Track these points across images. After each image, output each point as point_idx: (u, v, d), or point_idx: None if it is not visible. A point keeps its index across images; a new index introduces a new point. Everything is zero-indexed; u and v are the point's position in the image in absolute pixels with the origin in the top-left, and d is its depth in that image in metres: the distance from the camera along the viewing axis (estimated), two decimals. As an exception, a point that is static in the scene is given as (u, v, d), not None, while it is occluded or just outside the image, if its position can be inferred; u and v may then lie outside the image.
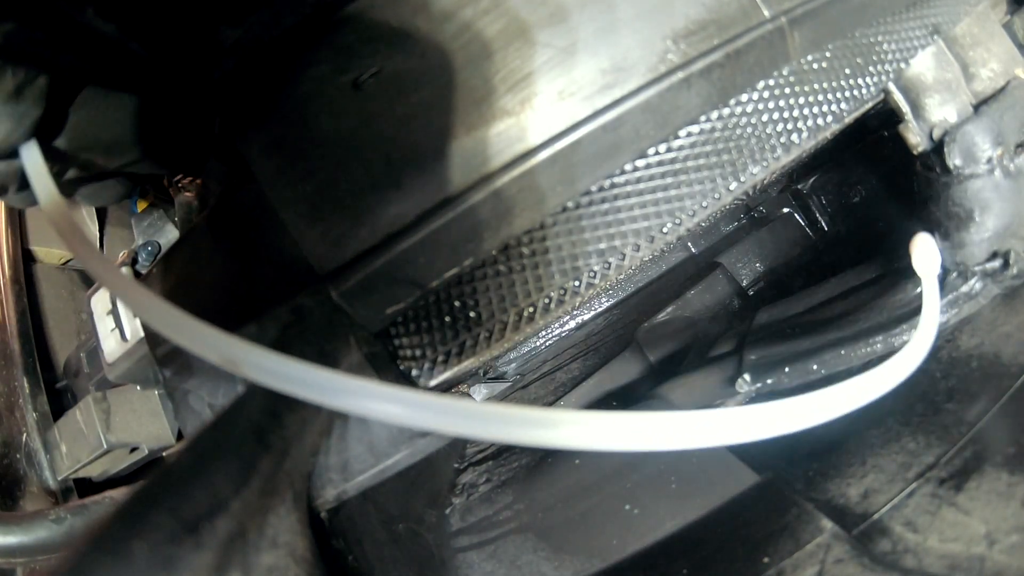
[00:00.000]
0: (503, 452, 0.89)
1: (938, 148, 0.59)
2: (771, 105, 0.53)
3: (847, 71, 0.56)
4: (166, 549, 0.26)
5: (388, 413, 0.30)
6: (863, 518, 0.52)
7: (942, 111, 0.59)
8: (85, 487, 0.79)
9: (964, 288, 0.62)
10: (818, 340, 0.71)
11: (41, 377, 0.80)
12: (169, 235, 0.90)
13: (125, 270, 0.75)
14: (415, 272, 0.47)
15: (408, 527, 0.61)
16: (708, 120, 0.51)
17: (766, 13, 0.51)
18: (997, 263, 0.61)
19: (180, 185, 0.83)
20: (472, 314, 0.49)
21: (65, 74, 0.43)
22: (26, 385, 0.78)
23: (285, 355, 0.32)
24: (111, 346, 0.66)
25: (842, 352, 0.67)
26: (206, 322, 0.34)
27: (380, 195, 0.46)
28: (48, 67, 0.40)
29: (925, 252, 0.57)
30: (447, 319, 0.49)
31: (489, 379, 0.99)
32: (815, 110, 0.54)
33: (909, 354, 0.43)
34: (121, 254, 0.83)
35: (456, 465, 0.87)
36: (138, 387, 0.74)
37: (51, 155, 0.43)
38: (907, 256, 0.70)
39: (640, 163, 0.50)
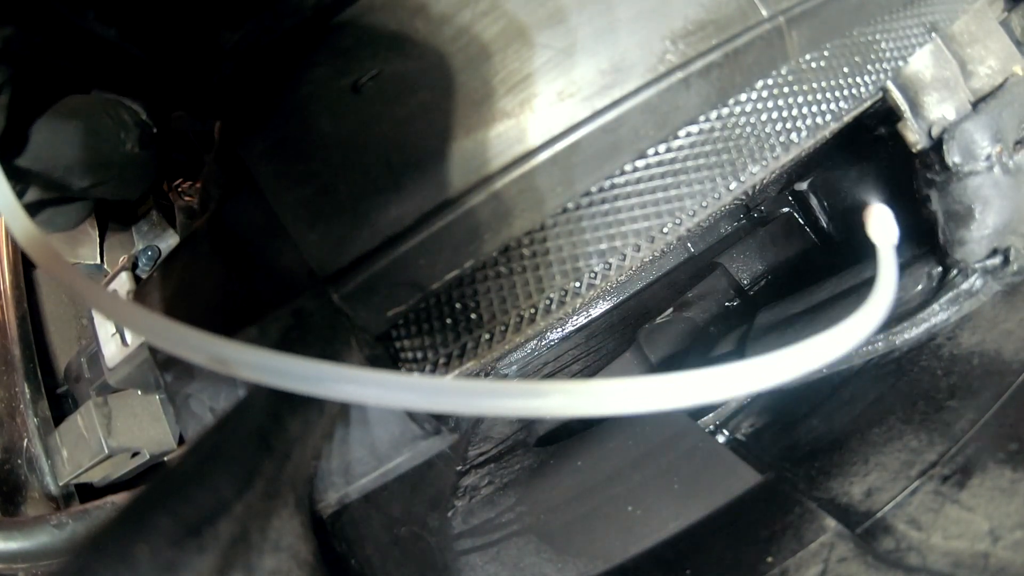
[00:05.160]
0: (505, 454, 0.88)
1: (937, 146, 0.59)
2: (770, 104, 0.53)
3: (845, 70, 0.56)
4: (168, 552, 0.26)
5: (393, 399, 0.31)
6: (866, 516, 0.51)
7: (940, 109, 0.60)
8: (86, 492, 0.79)
9: (965, 285, 0.62)
10: (819, 339, 0.71)
11: (42, 382, 0.80)
12: (169, 240, 0.90)
13: (125, 275, 0.75)
14: (416, 274, 0.47)
15: (410, 530, 0.61)
16: (707, 120, 0.51)
17: (764, 13, 0.51)
18: (997, 260, 0.61)
19: (180, 190, 0.83)
20: (473, 316, 0.49)
21: (56, 83, 0.43)
22: (27, 390, 0.78)
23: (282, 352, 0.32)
24: (112, 351, 0.66)
25: (843, 351, 0.67)
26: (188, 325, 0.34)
27: (380, 197, 0.46)
28: (45, 70, 0.40)
29: (881, 221, 0.56)
30: (448, 321, 0.49)
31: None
32: (814, 109, 0.54)
33: (870, 311, 0.43)
34: (121, 259, 0.83)
35: (458, 468, 0.87)
36: (139, 392, 0.74)
37: (11, 175, 0.43)
38: (906, 255, 0.70)
39: (640, 163, 0.50)
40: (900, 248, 0.72)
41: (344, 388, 0.31)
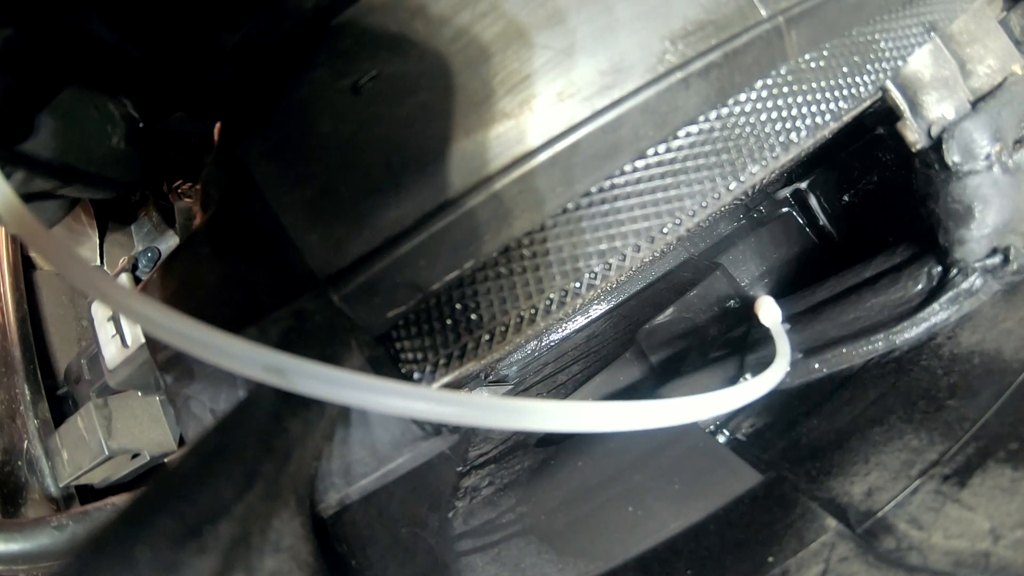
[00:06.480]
0: (506, 455, 0.88)
1: (936, 145, 0.59)
2: (769, 104, 0.53)
3: (845, 69, 0.56)
4: (169, 553, 0.26)
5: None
6: (867, 516, 0.51)
7: (940, 108, 0.60)
8: (87, 494, 0.79)
9: (965, 284, 0.62)
10: (819, 339, 0.71)
11: (42, 384, 0.80)
12: (169, 241, 0.90)
13: (125, 276, 0.75)
14: (416, 275, 0.47)
15: (411, 531, 0.61)
16: (707, 120, 0.51)
17: (763, 13, 0.51)
18: (997, 259, 0.61)
19: (180, 191, 0.83)
20: (473, 316, 0.49)
21: (52, 80, 0.42)
22: (27, 392, 0.78)
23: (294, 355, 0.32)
24: (112, 352, 0.66)
25: (843, 351, 0.67)
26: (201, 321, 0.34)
27: (380, 198, 0.46)
28: (45, 71, 0.40)
29: (768, 312, 0.68)
30: (448, 322, 0.49)
31: (491, 382, 0.99)
32: (813, 109, 0.54)
33: (765, 379, 0.53)
34: (121, 260, 0.83)
35: (459, 468, 0.87)
36: (139, 393, 0.74)
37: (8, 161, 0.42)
38: (906, 254, 0.71)
39: (639, 164, 0.50)
40: (900, 248, 0.72)
41: (410, 405, 0.33)
